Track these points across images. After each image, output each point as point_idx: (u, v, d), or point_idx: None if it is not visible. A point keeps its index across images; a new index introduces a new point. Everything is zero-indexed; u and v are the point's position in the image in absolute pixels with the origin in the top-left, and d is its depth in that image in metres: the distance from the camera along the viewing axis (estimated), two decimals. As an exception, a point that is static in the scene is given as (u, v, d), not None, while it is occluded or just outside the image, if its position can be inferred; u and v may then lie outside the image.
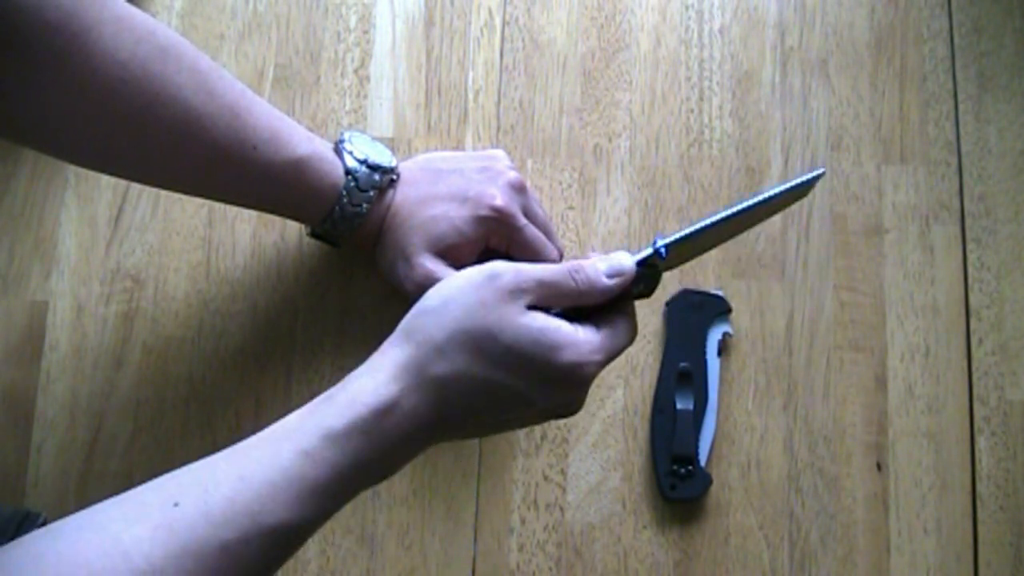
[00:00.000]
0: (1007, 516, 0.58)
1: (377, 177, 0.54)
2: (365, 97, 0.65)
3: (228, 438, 0.59)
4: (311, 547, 0.58)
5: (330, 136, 0.64)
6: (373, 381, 0.40)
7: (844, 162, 0.63)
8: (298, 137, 0.52)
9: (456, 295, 0.41)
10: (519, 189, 0.55)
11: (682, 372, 0.59)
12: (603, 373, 0.60)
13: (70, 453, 0.59)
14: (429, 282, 0.52)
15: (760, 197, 0.46)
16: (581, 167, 0.64)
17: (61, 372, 0.60)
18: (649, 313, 0.61)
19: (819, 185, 0.63)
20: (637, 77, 0.65)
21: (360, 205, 0.54)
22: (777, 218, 0.63)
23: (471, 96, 0.65)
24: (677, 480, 0.58)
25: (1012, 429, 0.59)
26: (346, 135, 0.56)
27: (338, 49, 0.66)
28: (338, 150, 0.55)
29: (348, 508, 0.58)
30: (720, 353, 0.60)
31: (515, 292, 0.41)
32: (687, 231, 0.45)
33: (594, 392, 0.60)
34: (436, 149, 0.64)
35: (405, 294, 0.55)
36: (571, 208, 0.63)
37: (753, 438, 0.60)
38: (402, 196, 0.55)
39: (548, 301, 0.42)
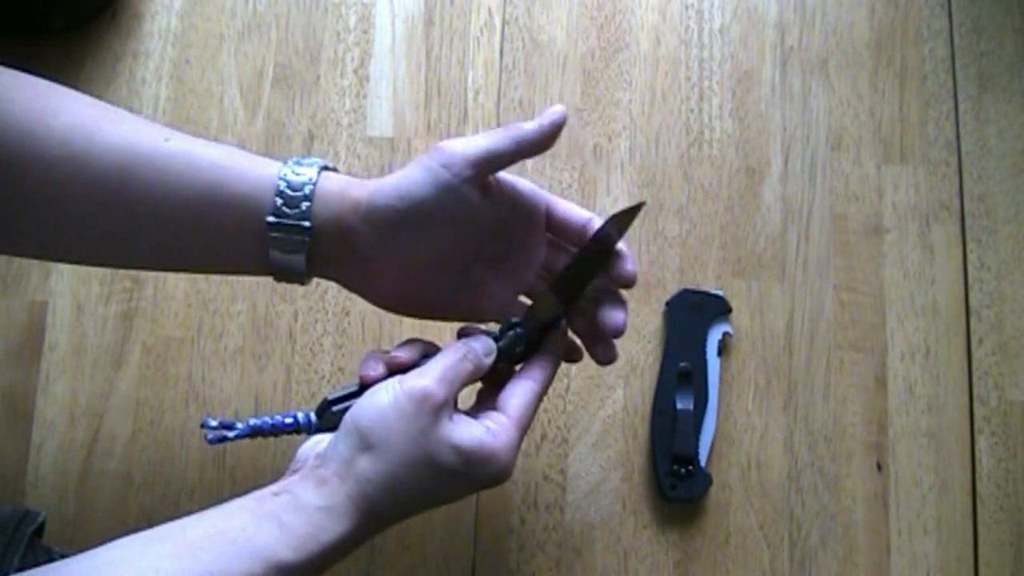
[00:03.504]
0: (1007, 516, 0.58)
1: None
2: (365, 97, 0.65)
3: (228, 438, 0.60)
4: (311, 547, 0.58)
5: (329, 137, 0.64)
6: (329, 519, 0.41)
7: (844, 162, 0.63)
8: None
9: (396, 428, 0.42)
10: None
11: (682, 372, 0.59)
12: (603, 373, 0.60)
13: (69, 453, 0.59)
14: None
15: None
16: (581, 167, 0.64)
17: (61, 372, 0.60)
18: (649, 313, 0.61)
19: (819, 185, 0.63)
20: (637, 77, 0.65)
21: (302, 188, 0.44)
22: (777, 218, 0.63)
23: (471, 96, 0.65)
24: (677, 480, 0.58)
25: (1012, 429, 0.59)
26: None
27: (338, 49, 0.66)
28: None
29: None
30: (720, 353, 0.60)
31: (440, 408, 0.43)
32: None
33: (594, 392, 0.60)
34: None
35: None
36: (571, 208, 0.63)
37: (753, 438, 0.60)
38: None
39: (457, 391, 0.44)
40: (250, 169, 0.44)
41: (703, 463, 0.58)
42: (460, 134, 0.64)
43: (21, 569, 0.46)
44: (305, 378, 0.60)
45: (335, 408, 0.46)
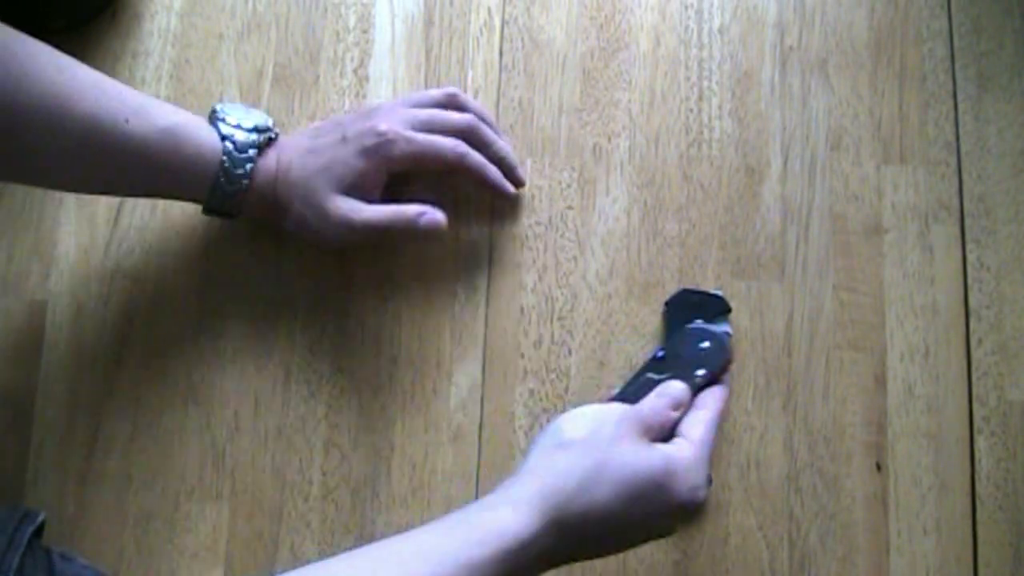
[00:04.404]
0: (1007, 516, 0.58)
1: (254, 137, 0.55)
2: (364, 97, 0.65)
3: (227, 438, 0.60)
4: (310, 547, 0.58)
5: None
6: (516, 514, 0.41)
7: (844, 162, 0.63)
8: (167, 108, 0.54)
9: (594, 429, 0.45)
10: (414, 121, 0.58)
11: (682, 372, 0.59)
12: (603, 374, 0.60)
13: (69, 453, 0.59)
14: (347, 222, 0.55)
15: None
16: (580, 167, 0.64)
17: (60, 372, 0.60)
18: (649, 313, 0.61)
19: (819, 185, 0.63)
20: (636, 77, 0.65)
21: (243, 166, 0.54)
22: (777, 218, 0.63)
23: (471, 96, 0.65)
24: (676, 480, 0.58)
25: (1012, 429, 0.59)
26: (218, 107, 0.56)
27: (337, 49, 0.66)
28: (212, 120, 0.56)
29: (347, 508, 0.59)
30: (720, 353, 0.60)
31: (636, 427, 0.46)
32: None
33: (594, 392, 0.60)
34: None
35: (327, 246, 0.59)
36: (570, 208, 0.63)
37: (753, 438, 0.60)
38: (287, 158, 0.56)
39: (655, 424, 0.49)
40: (193, 155, 0.53)
41: (703, 463, 0.58)
42: (460, 134, 0.64)
43: (21, 569, 0.46)
44: (305, 378, 0.60)
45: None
